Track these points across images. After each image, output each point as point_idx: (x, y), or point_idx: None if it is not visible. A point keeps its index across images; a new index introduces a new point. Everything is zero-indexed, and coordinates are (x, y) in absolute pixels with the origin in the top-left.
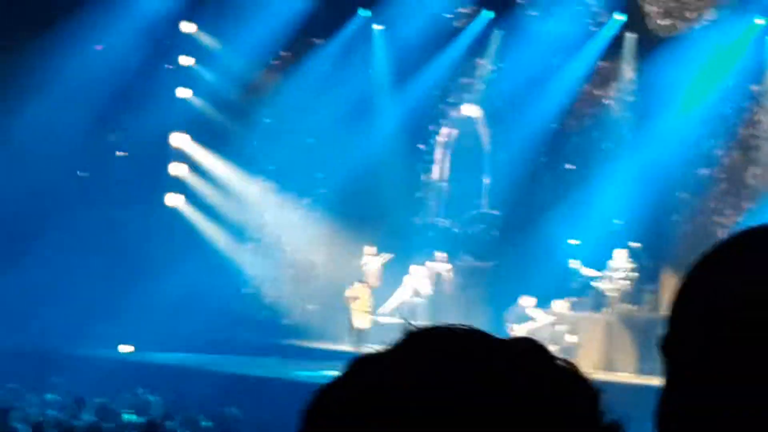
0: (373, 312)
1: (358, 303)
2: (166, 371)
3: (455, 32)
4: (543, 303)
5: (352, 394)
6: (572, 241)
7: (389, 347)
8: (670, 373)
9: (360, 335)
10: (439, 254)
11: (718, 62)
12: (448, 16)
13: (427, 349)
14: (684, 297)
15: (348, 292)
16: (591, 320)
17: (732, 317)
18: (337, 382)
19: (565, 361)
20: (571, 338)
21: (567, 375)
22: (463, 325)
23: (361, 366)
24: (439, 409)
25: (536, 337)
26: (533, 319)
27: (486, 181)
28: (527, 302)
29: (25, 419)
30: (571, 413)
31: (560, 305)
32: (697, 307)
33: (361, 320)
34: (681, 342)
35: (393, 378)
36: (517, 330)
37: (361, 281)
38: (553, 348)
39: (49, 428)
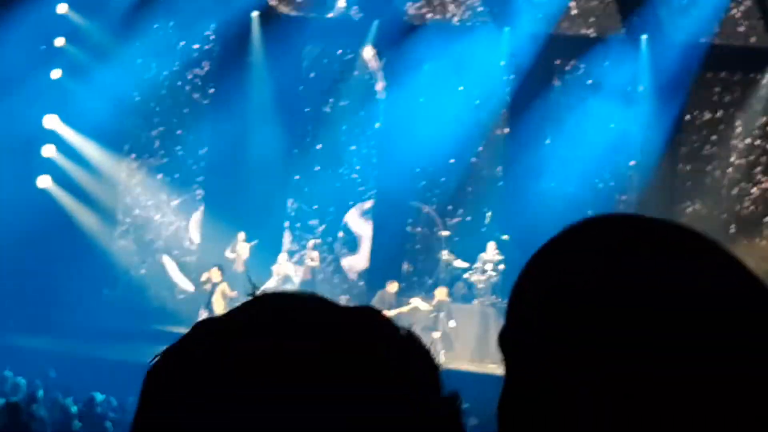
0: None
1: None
2: (33, 355)
3: None
4: (417, 293)
5: (190, 356)
6: (443, 233)
7: (231, 310)
8: (509, 368)
9: None
10: (310, 243)
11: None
12: None
13: (267, 312)
14: (519, 288)
15: (204, 276)
16: (467, 309)
17: (561, 307)
18: (177, 345)
19: (407, 330)
20: (451, 324)
21: (410, 342)
22: (308, 292)
23: (201, 328)
24: (276, 373)
25: (417, 321)
26: (408, 305)
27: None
28: (393, 288)
29: None
30: (412, 378)
31: (441, 292)
32: (532, 297)
33: (218, 304)
34: (518, 333)
35: (229, 338)
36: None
37: (217, 266)
38: (435, 334)
39: None
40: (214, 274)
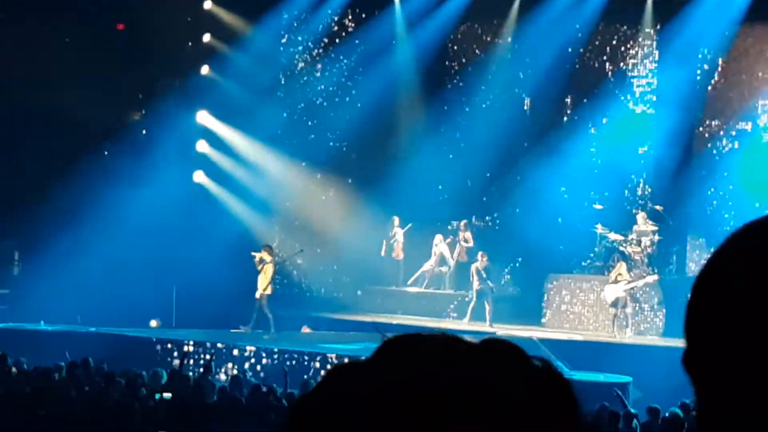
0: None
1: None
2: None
3: None
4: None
5: (328, 406)
6: (597, 206)
7: (367, 358)
8: (697, 387)
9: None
10: (462, 223)
11: None
12: None
13: (403, 358)
14: (694, 308)
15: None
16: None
17: (739, 322)
18: (315, 393)
19: (541, 360)
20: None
21: (545, 375)
22: (437, 333)
23: (337, 376)
24: (422, 414)
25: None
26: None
27: None
28: None
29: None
30: (551, 412)
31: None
32: (706, 318)
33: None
34: (698, 354)
35: (370, 388)
36: (608, 292)
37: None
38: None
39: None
40: (265, 255)
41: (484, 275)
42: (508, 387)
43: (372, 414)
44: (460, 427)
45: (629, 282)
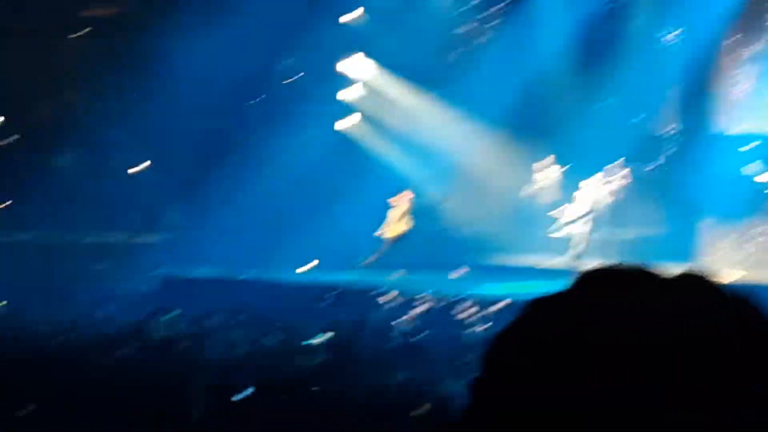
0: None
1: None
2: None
3: None
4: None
5: (528, 339)
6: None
7: (564, 289)
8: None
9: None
10: (613, 165)
11: None
12: None
13: (599, 291)
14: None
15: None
16: None
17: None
18: (512, 327)
19: (732, 291)
20: None
21: (739, 305)
22: (631, 265)
23: (535, 310)
24: (616, 349)
25: None
26: None
27: None
28: None
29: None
30: (749, 341)
31: None
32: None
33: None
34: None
35: (568, 322)
36: None
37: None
38: None
39: (238, 351)
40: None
41: None
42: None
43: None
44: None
45: None
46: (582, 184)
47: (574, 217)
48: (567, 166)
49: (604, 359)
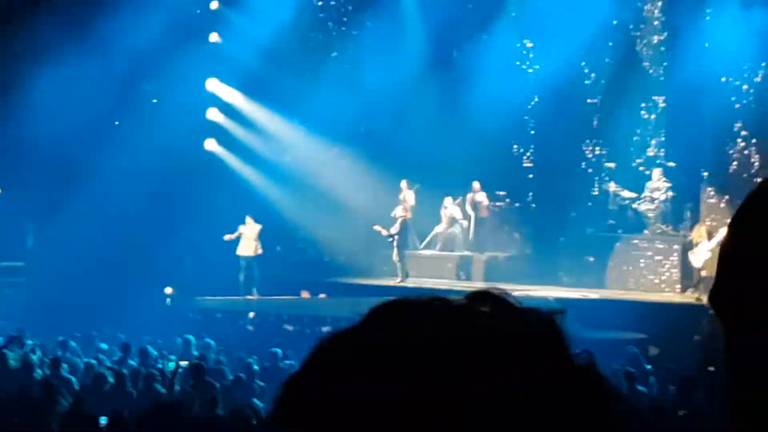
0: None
1: None
2: (212, 315)
3: None
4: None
5: (317, 376)
6: (609, 165)
7: (354, 323)
8: (721, 321)
9: None
10: (475, 184)
11: None
12: None
13: (386, 321)
14: (723, 246)
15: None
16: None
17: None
18: (305, 366)
19: (528, 309)
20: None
21: (531, 317)
22: (430, 295)
23: (325, 346)
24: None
25: None
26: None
27: None
28: None
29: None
30: (540, 354)
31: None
32: (732, 254)
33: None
34: (723, 289)
35: (366, 353)
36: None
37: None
38: None
39: (98, 377)
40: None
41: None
42: (493, 337)
43: (372, 380)
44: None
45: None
46: (446, 201)
47: (444, 234)
48: (417, 186)
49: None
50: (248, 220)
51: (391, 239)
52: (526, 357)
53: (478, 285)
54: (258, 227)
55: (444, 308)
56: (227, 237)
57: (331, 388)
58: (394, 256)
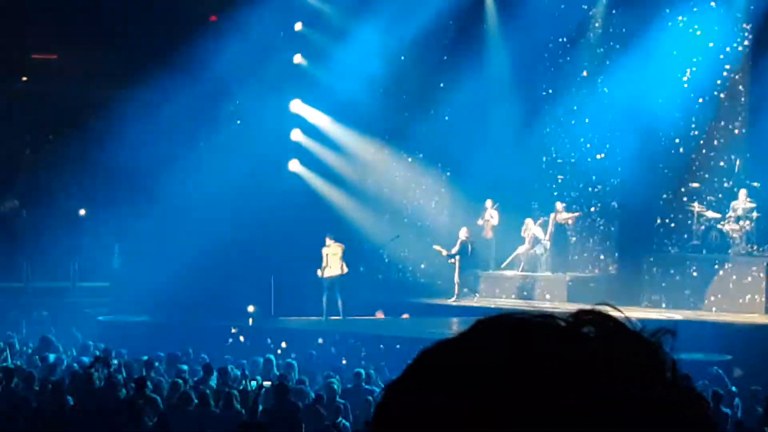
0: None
1: None
2: (301, 334)
3: None
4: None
5: (417, 388)
6: (693, 185)
7: (457, 335)
8: None
9: None
10: (559, 204)
11: None
12: None
13: (493, 339)
14: None
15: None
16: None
17: None
18: (404, 376)
19: (634, 331)
20: None
21: (638, 342)
22: (534, 312)
23: (426, 359)
24: (504, 397)
25: None
26: None
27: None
28: None
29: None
30: (646, 378)
31: None
32: None
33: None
34: None
35: (457, 368)
36: None
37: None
38: None
39: (183, 396)
40: (329, 242)
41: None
42: (598, 357)
43: (472, 396)
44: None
45: None
46: (528, 222)
47: (526, 255)
48: (497, 205)
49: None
50: (329, 241)
51: (451, 259)
52: (632, 378)
53: (562, 306)
54: (341, 247)
55: (549, 326)
56: (320, 273)
57: (431, 403)
58: (456, 277)
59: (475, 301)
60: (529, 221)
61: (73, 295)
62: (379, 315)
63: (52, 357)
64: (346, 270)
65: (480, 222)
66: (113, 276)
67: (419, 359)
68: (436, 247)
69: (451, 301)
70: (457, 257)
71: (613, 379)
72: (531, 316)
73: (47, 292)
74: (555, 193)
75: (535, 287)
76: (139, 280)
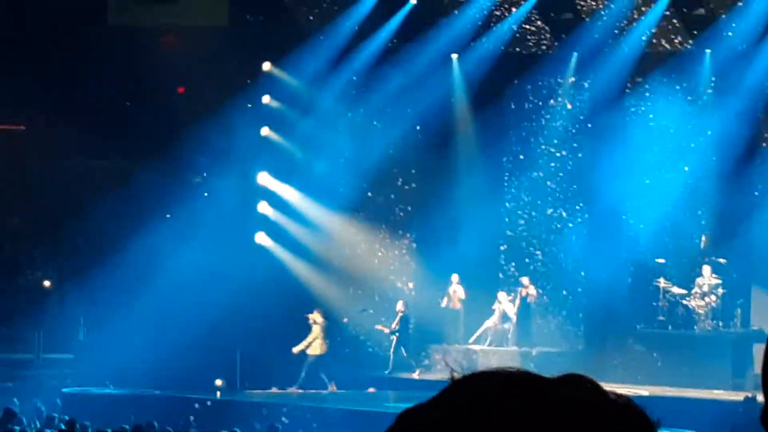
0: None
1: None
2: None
3: None
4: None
5: None
6: (659, 260)
7: (434, 396)
8: None
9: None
10: (524, 279)
11: None
12: None
13: (470, 398)
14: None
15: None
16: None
17: None
18: None
19: (616, 394)
20: None
21: (623, 408)
22: (511, 369)
23: (404, 420)
24: None
25: None
26: None
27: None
28: None
29: None
30: None
31: None
32: None
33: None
34: None
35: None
36: None
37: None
38: None
39: None
40: (316, 316)
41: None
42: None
43: None
44: None
45: None
46: (500, 296)
47: (494, 329)
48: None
49: None
50: (316, 315)
51: (393, 336)
52: None
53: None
54: (322, 322)
55: (534, 387)
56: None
57: None
58: (392, 350)
59: (416, 375)
60: (501, 295)
61: (37, 367)
62: (332, 388)
63: (17, 429)
64: (326, 349)
65: (444, 301)
66: (78, 347)
67: (398, 422)
68: (378, 327)
69: (387, 372)
70: (397, 335)
71: None
72: (515, 374)
73: (11, 363)
74: (521, 268)
75: (503, 361)
76: (105, 351)
